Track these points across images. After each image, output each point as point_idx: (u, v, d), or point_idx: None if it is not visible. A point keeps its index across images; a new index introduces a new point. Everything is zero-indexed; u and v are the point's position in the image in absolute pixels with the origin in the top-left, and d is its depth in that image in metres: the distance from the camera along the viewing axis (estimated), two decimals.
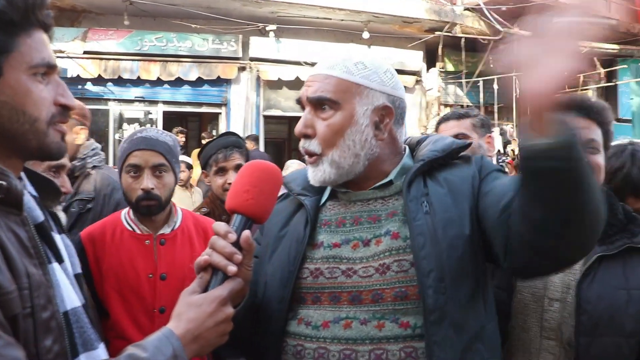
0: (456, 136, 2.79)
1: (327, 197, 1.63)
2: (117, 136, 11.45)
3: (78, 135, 2.98)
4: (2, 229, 1.07)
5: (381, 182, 1.55)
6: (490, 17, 11.84)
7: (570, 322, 1.76)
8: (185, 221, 2.36)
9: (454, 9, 12.10)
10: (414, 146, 1.68)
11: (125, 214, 2.33)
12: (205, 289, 1.24)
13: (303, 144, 1.54)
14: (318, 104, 1.51)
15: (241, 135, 11.44)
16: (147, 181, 2.20)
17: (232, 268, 1.24)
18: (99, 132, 10.73)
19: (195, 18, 10.88)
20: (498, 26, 11.88)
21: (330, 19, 11.61)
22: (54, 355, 1.09)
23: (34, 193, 1.30)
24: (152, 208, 2.23)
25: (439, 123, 2.94)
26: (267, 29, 11.45)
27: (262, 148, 11.90)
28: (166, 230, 2.30)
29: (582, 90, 13.91)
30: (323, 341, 1.43)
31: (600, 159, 1.84)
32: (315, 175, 1.53)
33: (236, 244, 1.28)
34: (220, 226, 1.29)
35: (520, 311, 1.86)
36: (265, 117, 12.13)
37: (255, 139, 10.49)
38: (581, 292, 1.76)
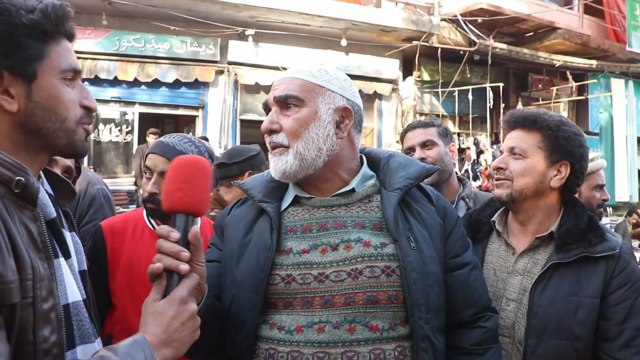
0: (424, 143, 2.89)
1: (289, 203, 1.68)
2: (93, 136, 11.33)
3: None
4: (15, 222, 1.15)
5: (343, 189, 1.63)
6: (466, 28, 12.03)
7: (523, 322, 1.86)
8: (203, 228, 2.40)
9: (431, 20, 12.24)
10: (376, 161, 1.74)
11: (146, 213, 2.37)
12: (164, 295, 1.27)
13: (270, 139, 1.61)
14: (284, 102, 1.59)
15: (218, 138, 11.34)
16: (152, 185, 2.25)
17: (183, 267, 1.27)
18: None
19: (175, 20, 10.83)
20: (474, 37, 12.07)
21: (309, 25, 11.66)
22: (50, 345, 1.15)
23: (50, 191, 1.40)
24: (153, 211, 2.27)
25: (406, 131, 3.03)
26: (246, 33, 11.45)
27: None
28: None
29: (554, 102, 14.19)
30: (296, 345, 1.48)
31: (523, 163, 1.97)
32: (278, 166, 1.59)
33: (184, 242, 1.31)
34: (163, 229, 1.31)
35: None
36: (242, 120, 12.13)
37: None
38: (534, 296, 1.86)
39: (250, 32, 11.44)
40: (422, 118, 13.36)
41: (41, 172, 1.39)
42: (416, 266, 1.52)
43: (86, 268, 1.45)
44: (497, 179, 2.01)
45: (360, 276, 1.50)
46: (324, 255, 1.54)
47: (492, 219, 2.10)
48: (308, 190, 1.67)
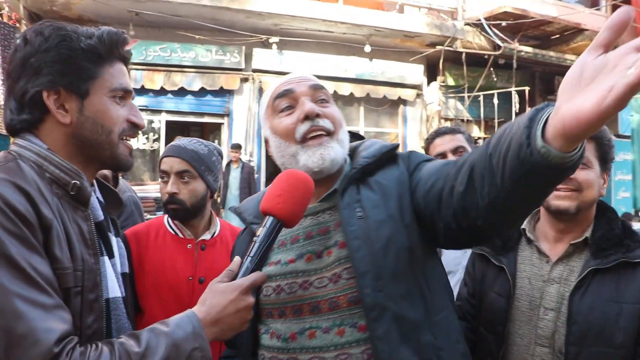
0: (455, 149, 2.89)
1: None
2: None
3: None
4: (70, 219, 1.32)
5: (328, 192, 1.63)
6: (490, 32, 11.96)
7: (563, 331, 1.82)
8: (224, 230, 2.48)
9: (455, 24, 12.20)
10: (352, 153, 1.74)
11: (168, 218, 2.45)
12: (232, 280, 1.38)
13: (316, 122, 1.59)
14: (317, 93, 1.64)
15: (243, 145, 11.42)
16: (171, 186, 2.33)
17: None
18: None
19: (200, 29, 10.98)
20: (498, 41, 11.99)
21: (332, 32, 11.72)
22: (92, 332, 1.30)
23: (101, 199, 1.56)
24: (176, 212, 2.35)
25: (434, 137, 3.02)
26: (270, 41, 11.55)
27: (263, 158, 12.00)
28: (206, 236, 2.42)
29: None
30: (293, 352, 1.52)
31: (590, 173, 1.89)
32: (326, 154, 1.57)
33: (265, 243, 1.41)
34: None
35: (517, 318, 1.92)
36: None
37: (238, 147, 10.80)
38: (573, 303, 1.81)
39: (274, 39, 11.53)
40: (448, 123, 13.31)
41: (94, 181, 1.54)
42: (360, 233, 1.47)
43: (127, 271, 1.60)
44: (564, 190, 1.89)
45: (340, 279, 1.50)
46: (309, 263, 1.56)
47: (522, 227, 2.07)
48: None
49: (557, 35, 13.13)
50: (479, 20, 12.02)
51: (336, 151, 1.58)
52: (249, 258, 1.41)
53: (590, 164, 1.90)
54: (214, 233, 2.45)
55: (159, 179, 2.43)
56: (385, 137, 13.90)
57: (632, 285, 1.79)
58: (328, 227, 1.59)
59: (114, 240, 1.54)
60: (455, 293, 2.27)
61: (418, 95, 13.35)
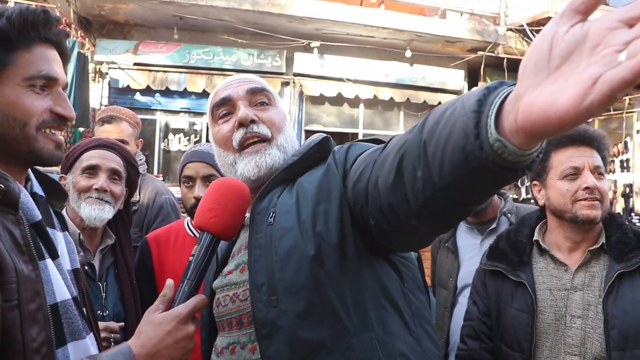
0: None
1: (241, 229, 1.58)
2: (162, 145, 11.77)
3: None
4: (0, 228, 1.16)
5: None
6: (533, 37, 11.81)
7: (596, 337, 1.83)
8: None
9: (497, 30, 12.08)
10: None
11: (187, 222, 2.54)
12: (168, 307, 1.29)
13: (251, 129, 1.50)
14: (256, 96, 1.55)
15: None
16: (199, 190, 2.39)
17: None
18: (145, 141, 11.00)
19: (242, 33, 11.13)
20: None
21: (374, 37, 11.72)
22: (39, 344, 1.16)
23: (41, 193, 1.41)
24: None
25: None
26: (312, 45, 11.61)
27: None
28: None
29: (627, 112, 13.70)
30: None
31: (605, 183, 1.95)
32: (261, 161, 1.48)
33: (202, 260, 1.33)
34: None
35: (544, 330, 1.93)
36: (307, 131, 12.29)
37: None
38: (607, 309, 1.82)
39: (315, 44, 11.59)
40: None
41: (32, 175, 1.41)
42: (262, 242, 1.35)
43: (79, 266, 1.46)
44: (592, 199, 1.94)
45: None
46: (242, 274, 1.45)
47: (535, 239, 2.08)
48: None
49: None
50: (522, 25, 11.88)
51: (273, 158, 1.49)
52: (186, 281, 1.32)
53: (603, 174, 1.97)
54: None
55: (181, 184, 2.48)
56: None
57: None
58: None
59: (59, 237, 1.40)
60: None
61: None
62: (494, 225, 2.89)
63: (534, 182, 2.09)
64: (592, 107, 0.64)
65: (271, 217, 1.37)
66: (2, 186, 1.18)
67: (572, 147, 2.00)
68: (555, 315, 1.93)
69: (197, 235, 2.43)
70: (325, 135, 1.52)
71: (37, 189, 1.41)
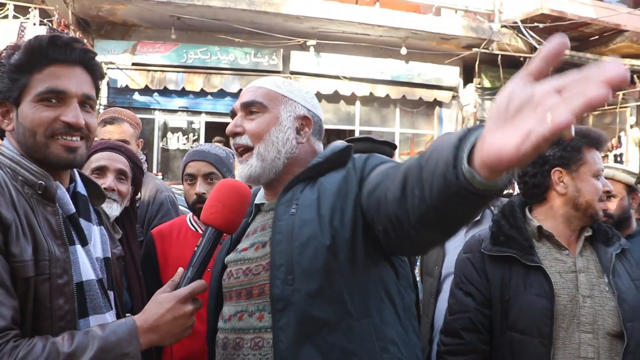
0: None
1: (254, 213, 1.82)
2: (161, 144, 11.87)
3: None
4: (39, 216, 1.44)
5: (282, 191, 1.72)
6: (527, 34, 11.92)
7: (605, 313, 2.00)
8: None
9: (492, 26, 12.20)
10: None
11: (190, 217, 2.70)
12: (175, 289, 1.49)
13: (234, 141, 1.73)
14: (249, 108, 1.72)
15: None
16: (200, 187, 2.54)
17: None
18: (144, 140, 11.04)
19: (238, 32, 11.22)
20: (535, 43, 11.94)
21: (369, 35, 11.84)
22: (64, 312, 1.43)
23: (84, 192, 1.68)
24: None
25: None
26: (308, 43, 11.73)
27: None
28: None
29: (620, 107, 13.82)
30: (226, 332, 1.67)
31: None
32: (243, 171, 1.71)
33: (206, 251, 1.53)
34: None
35: (561, 313, 2.00)
36: None
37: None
38: (617, 286, 2.02)
39: (311, 42, 11.71)
40: None
41: (77, 177, 1.68)
42: (284, 229, 1.56)
43: (109, 256, 1.71)
44: (604, 200, 2.21)
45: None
46: (256, 252, 1.68)
47: (538, 225, 2.14)
48: (266, 196, 1.80)
49: (596, 37, 12.99)
50: (516, 22, 11.99)
51: (252, 167, 1.68)
52: (190, 268, 1.51)
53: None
54: None
55: (183, 182, 2.63)
56: (421, 138, 13.95)
57: (632, 266, 2.13)
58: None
59: (94, 230, 1.65)
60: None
61: (454, 97, 13.37)
62: (478, 217, 3.00)
63: (557, 168, 2.12)
64: (526, 154, 0.84)
65: (294, 209, 1.58)
66: (43, 183, 1.47)
67: (597, 150, 2.16)
68: (569, 296, 2.02)
69: (199, 230, 2.61)
70: (349, 144, 1.73)
71: (81, 188, 1.67)
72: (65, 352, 1.29)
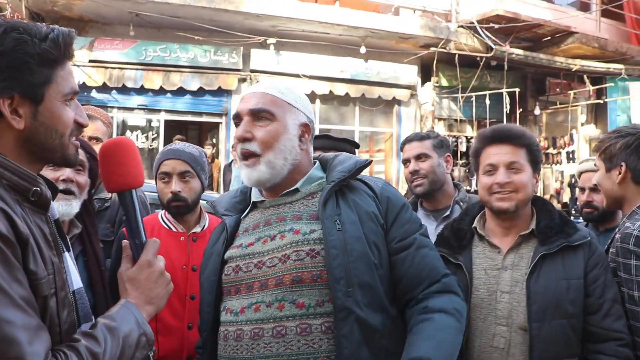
0: (418, 156, 3.19)
1: (248, 210, 1.95)
2: None
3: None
4: (34, 226, 1.31)
5: (289, 189, 1.85)
6: (483, 34, 12.19)
7: (519, 310, 2.11)
8: (213, 223, 2.73)
9: (449, 26, 12.40)
10: (325, 163, 1.98)
11: (162, 215, 2.74)
12: (133, 263, 1.52)
13: (243, 146, 1.81)
14: (257, 115, 1.80)
15: None
16: (175, 185, 2.60)
17: None
18: None
19: (198, 30, 11.14)
20: (490, 43, 12.22)
21: (329, 33, 11.90)
22: (69, 325, 1.37)
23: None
24: (180, 208, 2.63)
25: (404, 144, 3.32)
26: (268, 42, 11.73)
27: None
28: (197, 229, 2.71)
29: (572, 106, 14.25)
30: (240, 324, 1.73)
31: (523, 176, 2.21)
32: (252, 175, 1.80)
33: (134, 214, 1.58)
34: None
35: (478, 305, 2.19)
36: None
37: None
38: (530, 287, 2.10)
39: (271, 40, 11.72)
40: (441, 123, 13.54)
41: None
42: (338, 244, 1.67)
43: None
44: (502, 193, 2.20)
45: (288, 260, 1.70)
46: (264, 245, 1.78)
47: (474, 226, 2.34)
48: (266, 194, 1.91)
49: (548, 37, 13.36)
50: (472, 22, 12.23)
51: (260, 172, 1.78)
52: (134, 238, 1.55)
53: (523, 168, 2.23)
54: (204, 226, 2.73)
55: (157, 180, 2.67)
56: (380, 136, 14.13)
57: (575, 263, 2.13)
58: (285, 216, 1.81)
59: None
60: None
61: (412, 96, 13.56)
62: (447, 212, 3.14)
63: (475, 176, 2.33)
64: None
65: (338, 224, 1.71)
66: (38, 189, 1.35)
67: (493, 146, 2.28)
68: (488, 291, 2.19)
69: (172, 227, 2.66)
70: (370, 159, 1.94)
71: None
72: (99, 352, 1.27)
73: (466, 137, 13.58)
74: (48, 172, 2.28)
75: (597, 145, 2.47)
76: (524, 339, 2.08)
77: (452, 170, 3.45)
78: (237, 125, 1.85)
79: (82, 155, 2.37)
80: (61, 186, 2.26)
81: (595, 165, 2.59)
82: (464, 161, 13.25)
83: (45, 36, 1.33)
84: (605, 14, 14.61)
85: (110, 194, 3.23)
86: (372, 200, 1.83)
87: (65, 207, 2.26)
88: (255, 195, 1.94)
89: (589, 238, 2.17)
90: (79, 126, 1.46)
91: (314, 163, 1.96)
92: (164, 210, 2.74)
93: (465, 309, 1.81)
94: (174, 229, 2.67)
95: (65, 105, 1.40)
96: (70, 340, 1.29)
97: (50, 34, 1.34)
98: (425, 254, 1.82)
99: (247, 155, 1.80)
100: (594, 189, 3.43)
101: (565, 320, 2.06)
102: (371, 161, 1.93)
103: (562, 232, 2.17)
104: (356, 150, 3.42)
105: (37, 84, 1.33)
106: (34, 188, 1.34)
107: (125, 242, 1.56)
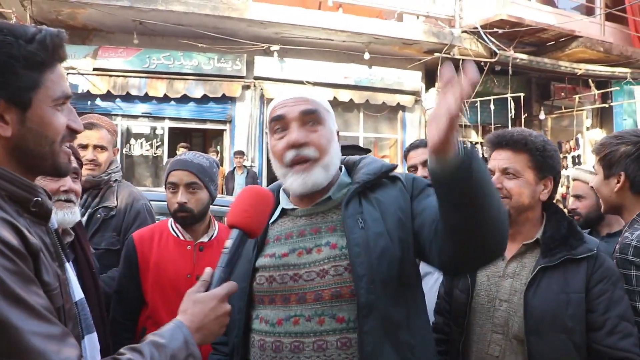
0: (425, 162, 3.12)
1: (277, 216, 1.90)
2: (124, 150, 11.74)
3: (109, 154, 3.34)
4: (36, 238, 1.25)
5: (322, 198, 1.82)
6: (487, 39, 12.17)
7: (515, 319, 2.06)
8: (221, 233, 2.73)
9: (452, 32, 12.39)
10: (351, 166, 1.95)
11: (171, 222, 2.73)
12: (207, 289, 1.49)
13: (298, 152, 1.75)
14: (308, 118, 1.77)
15: (245, 150, 11.57)
16: (181, 196, 2.59)
17: None
18: None
19: (202, 38, 11.19)
20: (494, 48, 12.20)
21: (332, 40, 11.93)
22: (75, 338, 1.28)
23: None
24: (185, 219, 2.62)
25: (408, 150, 3.28)
26: (271, 49, 11.76)
27: (264, 163, 12.19)
28: (205, 239, 2.69)
29: (577, 110, 14.20)
30: (278, 335, 1.71)
31: (518, 182, 2.15)
32: (308, 180, 1.75)
33: (234, 253, 1.54)
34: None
35: (478, 310, 2.17)
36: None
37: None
38: (527, 299, 2.04)
39: (275, 47, 11.75)
40: None
41: None
42: (360, 242, 1.67)
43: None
44: None
45: (327, 275, 1.70)
46: (300, 257, 1.75)
47: None
48: (296, 201, 1.87)
49: (553, 42, 13.31)
50: (476, 28, 12.22)
51: (317, 177, 1.75)
52: (221, 268, 1.51)
53: (520, 174, 2.16)
54: (212, 236, 2.71)
55: (166, 190, 2.67)
56: (385, 142, 14.11)
57: (577, 277, 2.03)
58: (319, 227, 1.79)
59: None
60: (432, 292, 2.56)
61: (416, 101, 13.55)
62: None
63: None
64: (440, 135, 1.30)
65: (361, 223, 1.71)
66: (40, 199, 1.30)
67: (496, 151, 2.24)
68: (488, 297, 2.17)
69: (180, 235, 2.66)
70: (396, 164, 1.93)
71: None
72: None
73: (471, 142, 13.51)
74: (47, 183, 2.26)
75: (597, 149, 2.40)
76: (519, 349, 2.04)
77: None
78: (275, 131, 1.82)
79: (75, 162, 2.31)
80: (63, 197, 2.21)
81: (593, 168, 2.53)
82: None
83: (32, 38, 1.26)
84: (609, 17, 14.57)
85: (115, 203, 3.22)
86: (396, 185, 1.83)
87: (69, 216, 2.22)
88: (284, 202, 1.91)
89: (596, 251, 2.07)
90: (72, 132, 1.38)
91: (340, 169, 1.94)
92: (173, 220, 2.74)
93: None
94: (181, 238, 2.67)
95: (57, 110, 1.32)
96: (116, 354, 1.25)
97: (37, 35, 1.27)
98: None
99: (300, 161, 1.76)
100: (579, 196, 3.48)
101: (565, 336, 1.99)
102: (396, 166, 1.92)
103: (566, 244, 2.09)
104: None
105: (23, 88, 1.25)
106: (35, 198, 1.29)
107: (208, 269, 1.53)
